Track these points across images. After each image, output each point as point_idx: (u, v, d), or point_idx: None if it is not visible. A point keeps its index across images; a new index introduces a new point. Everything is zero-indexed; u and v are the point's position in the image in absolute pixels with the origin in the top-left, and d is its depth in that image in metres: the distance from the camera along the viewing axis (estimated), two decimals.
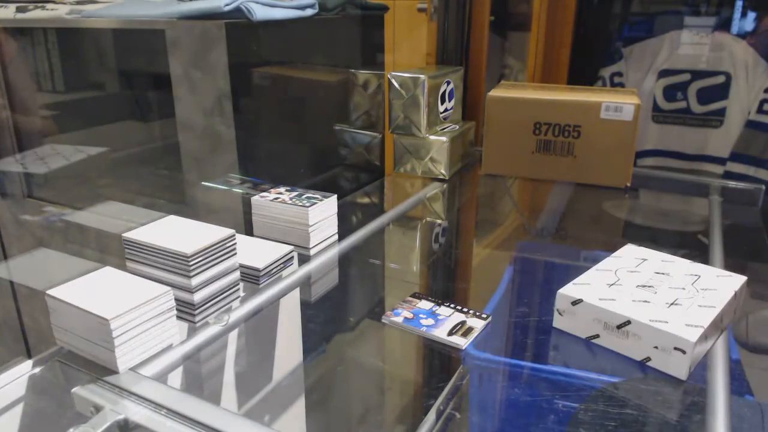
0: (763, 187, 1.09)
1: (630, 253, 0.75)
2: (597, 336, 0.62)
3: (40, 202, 1.29)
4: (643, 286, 0.66)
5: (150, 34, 0.97)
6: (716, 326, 0.61)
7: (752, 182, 1.13)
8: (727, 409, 0.52)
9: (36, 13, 1.16)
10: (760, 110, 1.33)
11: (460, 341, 0.62)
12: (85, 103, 1.26)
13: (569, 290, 0.65)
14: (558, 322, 0.66)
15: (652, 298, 0.63)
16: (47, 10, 1.16)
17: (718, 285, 0.66)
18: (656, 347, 0.58)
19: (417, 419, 0.54)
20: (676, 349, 0.56)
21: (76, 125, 1.27)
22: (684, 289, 0.65)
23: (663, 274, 0.69)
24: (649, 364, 0.59)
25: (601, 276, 0.68)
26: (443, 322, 0.66)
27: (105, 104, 1.24)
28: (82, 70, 1.23)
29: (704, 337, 0.58)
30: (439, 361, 0.64)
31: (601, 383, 0.58)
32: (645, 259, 0.73)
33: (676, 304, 0.62)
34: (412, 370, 0.66)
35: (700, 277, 0.68)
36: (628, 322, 0.60)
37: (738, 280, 0.68)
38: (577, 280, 0.67)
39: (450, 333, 0.64)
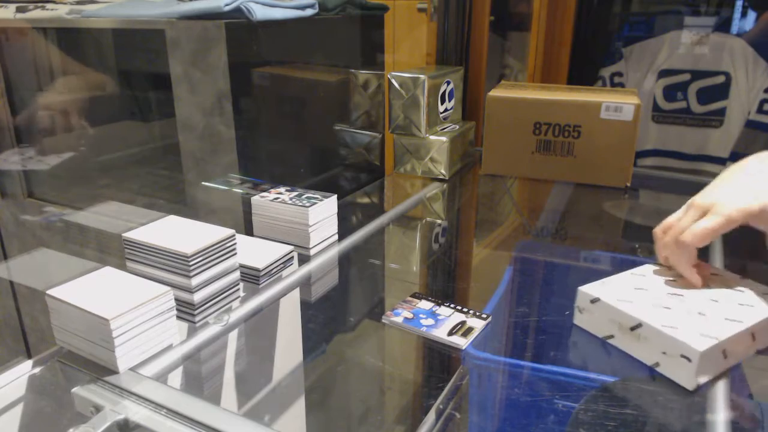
0: None
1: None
2: (612, 336, 0.62)
3: (40, 201, 1.29)
4: (673, 294, 0.63)
5: (150, 34, 0.97)
6: (744, 344, 0.58)
7: None
8: (727, 409, 0.52)
9: (36, 13, 1.16)
10: (760, 110, 1.33)
11: (460, 341, 0.62)
12: (85, 104, 1.26)
13: (590, 288, 0.64)
14: (578, 319, 0.65)
15: (676, 305, 0.61)
16: (47, 10, 1.16)
17: (757, 302, 0.61)
18: (664, 353, 0.56)
19: (417, 419, 0.54)
20: (682, 356, 0.55)
21: (76, 125, 1.27)
22: (717, 301, 0.62)
23: (705, 287, 0.65)
24: (658, 369, 0.57)
25: (631, 279, 0.66)
26: (443, 322, 0.66)
27: (105, 104, 1.24)
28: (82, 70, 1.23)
29: (721, 351, 0.55)
30: (439, 361, 0.64)
31: (601, 383, 0.58)
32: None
33: (700, 314, 0.59)
34: (412, 370, 0.66)
35: (743, 292, 0.64)
36: (640, 325, 0.58)
37: None
38: (604, 280, 0.66)
39: (450, 333, 0.64)
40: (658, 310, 0.60)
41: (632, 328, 0.59)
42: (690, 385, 0.54)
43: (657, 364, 0.58)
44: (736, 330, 0.56)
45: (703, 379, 0.55)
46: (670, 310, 0.60)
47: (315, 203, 0.80)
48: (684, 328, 0.56)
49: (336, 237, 0.86)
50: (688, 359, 0.54)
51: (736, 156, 1.36)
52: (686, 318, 0.58)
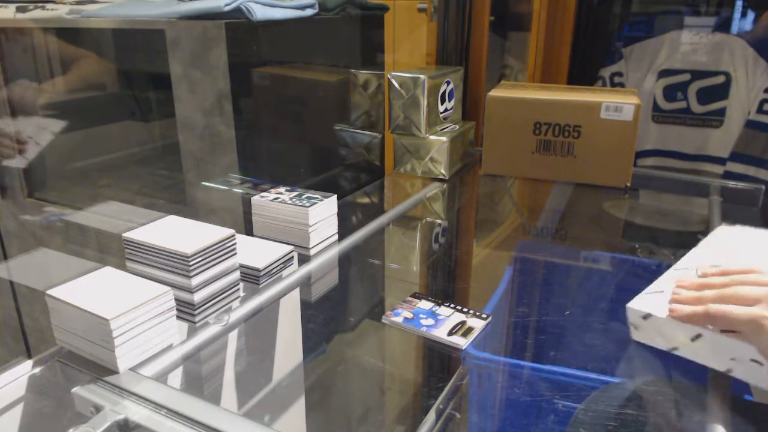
0: (763, 187, 1.09)
1: (719, 240, 0.66)
2: (677, 348, 0.58)
3: (40, 201, 1.29)
4: None
5: (150, 34, 0.97)
6: None
7: (752, 182, 1.13)
8: (727, 409, 0.52)
9: (36, 13, 1.16)
10: (760, 110, 1.33)
11: (460, 341, 0.62)
12: (85, 103, 1.26)
13: (638, 304, 0.60)
14: (636, 335, 0.61)
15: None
16: (47, 10, 1.16)
17: None
18: (733, 359, 0.53)
19: (417, 419, 0.54)
20: (752, 361, 0.52)
21: (76, 125, 1.27)
22: None
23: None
24: (732, 374, 0.54)
25: (670, 287, 0.62)
26: (443, 322, 0.66)
27: (105, 104, 1.24)
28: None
29: None
30: (439, 361, 0.64)
31: (601, 383, 0.58)
32: (734, 249, 0.63)
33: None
34: (412, 370, 0.66)
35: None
36: (700, 336, 0.55)
37: None
38: (649, 288, 0.62)
39: (450, 333, 0.64)
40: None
41: (693, 339, 0.56)
42: (766, 385, 0.52)
43: (730, 370, 0.54)
44: None
45: None
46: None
47: (315, 203, 0.80)
48: None
49: (336, 237, 0.86)
50: (759, 363, 0.51)
51: (736, 156, 1.36)
52: None
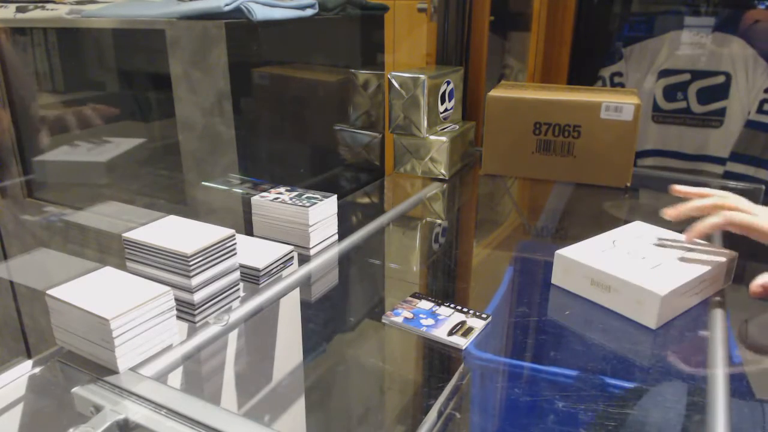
0: (763, 187, 1.09)
1: (635, 228, 0.80)
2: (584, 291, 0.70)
3: (40, 201, 1.29)
4: (630, 252, 0.73)
5: (150, 34, 0.97)
6: (694, 290, 0.67)
7: (752, 182, 1.12)
8: (727, 409, 0.52)
9: (36, 13, 1.16)
10: (760, 110, 1.33)
11: (460, 341, 0.62)
12: (85, 104, 1.26)
13: (565, 252, 0.73)
14: (555, 279, 0.74)
15: (638, 262, 0.70)
16: (47, 10, 1.16)
17: (706, 257, 0.71)
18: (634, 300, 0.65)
19: (417, 419, 0.54)
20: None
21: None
22: (670, 257, 0.71)
23: (659, 246, 0.74)
24: (627, 315, 0.66)
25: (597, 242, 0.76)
26: (443, 322, 0.66)
27: (105, 104, 1.24)
28: (82, 70, 1.23)
29: (679, 293, 0.65)
30: (439, 361, 0.64)
31: (601, 383, 0.58)
32: (648, 235, 0.78)
33: (657, 267, 0.68)
34: (412, 370, 0.66)
35: (693, 249, 0.74)
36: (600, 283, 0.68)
37: (728, 255, 0.72)
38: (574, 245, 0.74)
39: (450, 333, 0.64)
40: (624, 266, 0.69)
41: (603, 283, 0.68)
42: (653, 324, 0.64)
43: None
44: (690, 277, 0.66)
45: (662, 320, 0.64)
46: (634, 265, 0.69)
47: (315, 203, 0.80)
48: (646, 278, 0.65)
49: (336, 237, 0.86)
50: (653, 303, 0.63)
51: (736, 156, 1.36)
52: (649, 271, 0.68)
